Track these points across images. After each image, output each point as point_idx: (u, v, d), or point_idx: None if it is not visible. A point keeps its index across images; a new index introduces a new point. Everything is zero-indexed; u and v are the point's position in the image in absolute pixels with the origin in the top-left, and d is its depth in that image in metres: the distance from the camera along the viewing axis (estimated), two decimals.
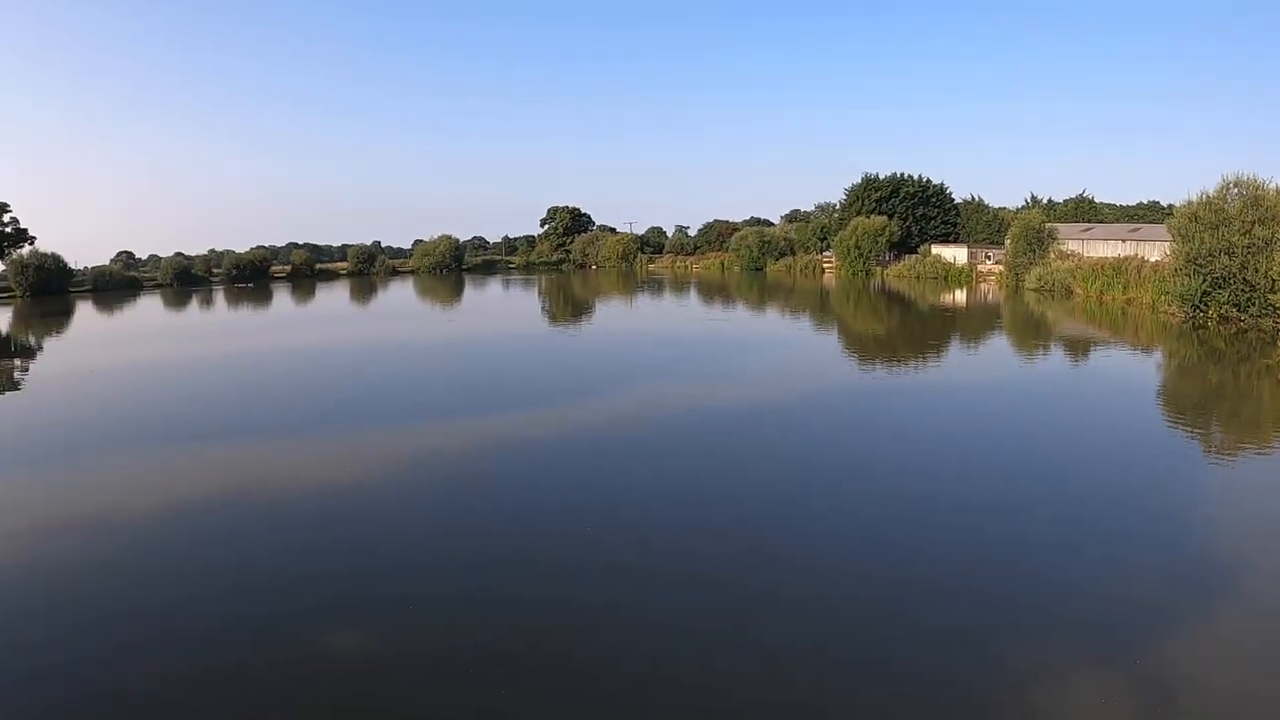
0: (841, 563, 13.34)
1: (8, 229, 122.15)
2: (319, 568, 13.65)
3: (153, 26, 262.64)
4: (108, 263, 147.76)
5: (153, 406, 30.02)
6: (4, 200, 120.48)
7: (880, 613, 11.50)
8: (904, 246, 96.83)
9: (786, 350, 40.29)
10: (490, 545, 14.50)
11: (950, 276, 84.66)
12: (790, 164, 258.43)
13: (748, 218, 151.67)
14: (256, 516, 16.49)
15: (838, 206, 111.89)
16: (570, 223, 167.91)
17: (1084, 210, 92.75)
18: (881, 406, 26.13)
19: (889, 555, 13.48)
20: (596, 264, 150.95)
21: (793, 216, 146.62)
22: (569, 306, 74.63)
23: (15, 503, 18.18)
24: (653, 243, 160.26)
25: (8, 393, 35.25)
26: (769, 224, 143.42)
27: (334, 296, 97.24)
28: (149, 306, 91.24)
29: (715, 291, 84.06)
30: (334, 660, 10.50)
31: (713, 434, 22.51)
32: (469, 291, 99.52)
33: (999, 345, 40.09)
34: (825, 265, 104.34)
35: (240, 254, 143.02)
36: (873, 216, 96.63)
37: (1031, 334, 44.36)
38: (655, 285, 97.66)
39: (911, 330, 48.16)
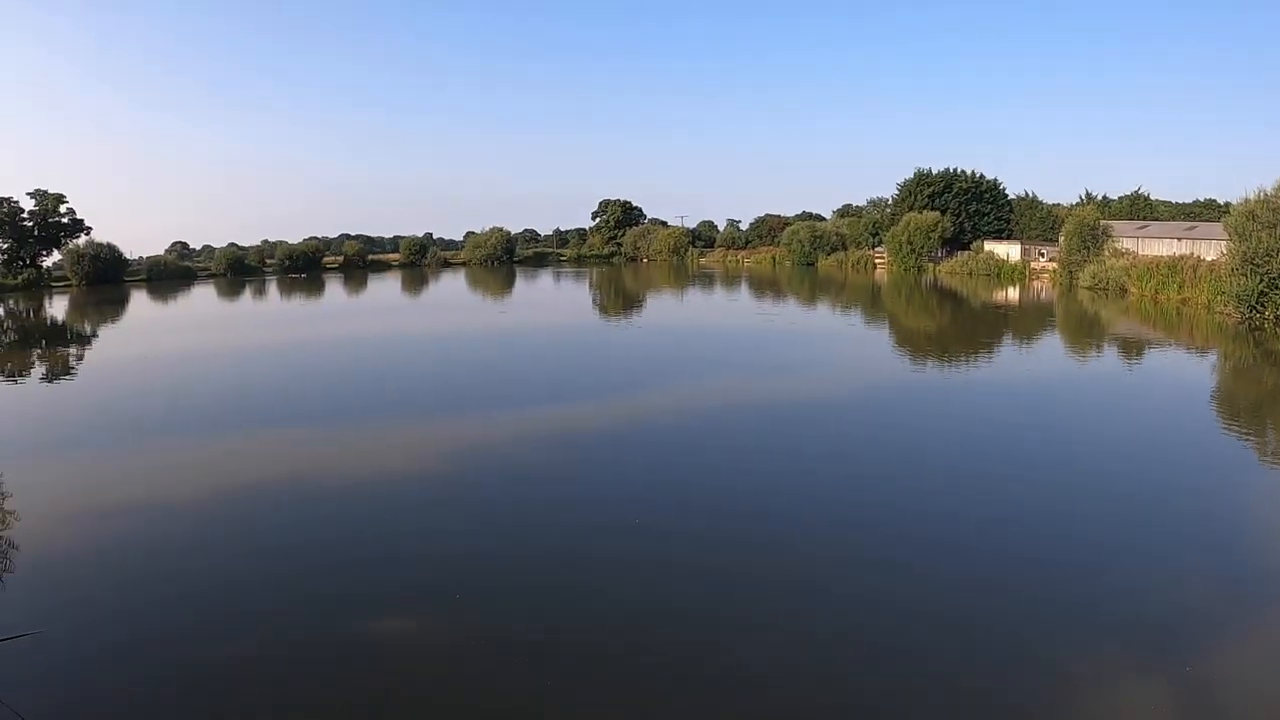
0: (891, 561, 13.48)
1: (64, 219, 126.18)
2: (368, 554, 14.16)
3: (210, 18, 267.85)
4: (162, 253, 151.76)
5: (208, 393, 31.66)
6: (60, 192, 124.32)
7: (928, 614, 11.54)
8: (956, 243, 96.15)
9: (837, 345, 40.97)
10: (539, 537, 14.87)
11: (1003, 273, 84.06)
12: (843, 158, 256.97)
13: (799, 212, 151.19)
14: (307, 504, 17.18)
15: (890, 202, 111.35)
16: (621, 216, 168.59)
17: (1139, 207, 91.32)
18: (931, 404, 26.58)
19: (938, 556, 13.67)
20: (648, 257, 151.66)
21: (845, 211, 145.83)
22: (620, 300, 75.49)
23: (72, 485, 19.12)
24: (704, 236, 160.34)
25: (62, 379, 37.41)
26: (821, 219, 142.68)
27: (386, 287, 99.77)
28: (203, 295, 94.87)
29: (766, 286, 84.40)
30: (378, 645, 10.99)
31: (762, 431, 22.87)
32: (520, 284, 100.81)
33: (1051, 344, 40.23)
34: (877, 261, 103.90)
35: (293, 245, 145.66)
36: (925, 212, 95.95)
37: (1085, 333, 44.37)
38: (706, 279, 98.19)
39: (963, 327, 48.45)
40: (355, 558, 14.01)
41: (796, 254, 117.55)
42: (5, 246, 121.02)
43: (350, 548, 14.50)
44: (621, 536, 14.82)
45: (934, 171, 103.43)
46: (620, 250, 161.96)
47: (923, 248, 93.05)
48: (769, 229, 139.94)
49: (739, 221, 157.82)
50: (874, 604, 11.98)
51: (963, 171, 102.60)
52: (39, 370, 40.13)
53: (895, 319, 53.72)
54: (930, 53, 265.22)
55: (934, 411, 25.07)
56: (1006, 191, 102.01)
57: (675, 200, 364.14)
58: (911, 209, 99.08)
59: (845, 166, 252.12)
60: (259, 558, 14.18)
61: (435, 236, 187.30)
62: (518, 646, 10.92)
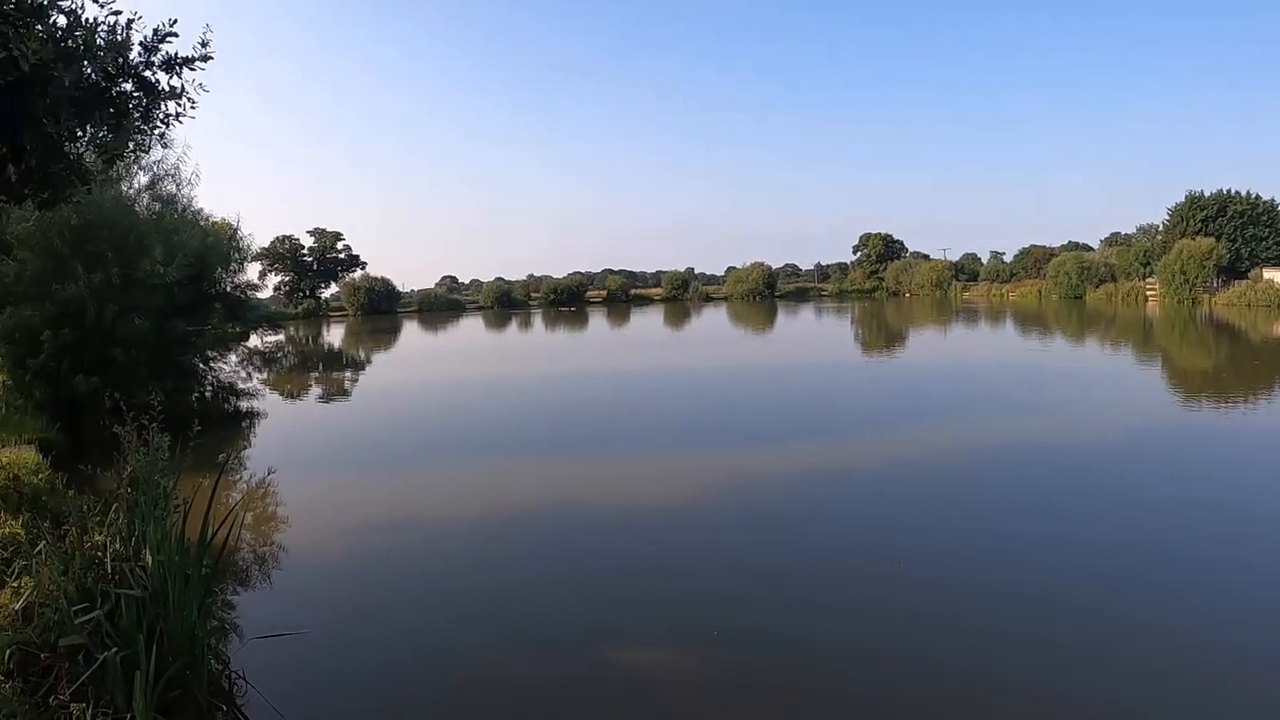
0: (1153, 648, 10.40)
1: (341, 255, 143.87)
2: (647, 584, 13.47)
3: (481, 61, 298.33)
4: (432, 286, 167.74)
5: (480, 418, 32.25)
6: (338, 230, 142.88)
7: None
8: (1233, 271, 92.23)
9: (1105, 385, 37.79)
10: (796, 579, 13.52)
11: None
12: (1110, 182, 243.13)
13: (1065, 242, 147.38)
14: (570, 532, 16.63)
15: (1160, 228, 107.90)
16: (883, 249, 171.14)
17: None
18: (1218, 455, 22.26)
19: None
20: (910, 292, 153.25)
21: (1113, 240, 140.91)
22: (881, 335, 75.61)
23: (341, 500, 19.71)
24: (967, 270, 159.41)
25: (338, 399, 40.21)
26: (1088, 248, 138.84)
27: (650, 321, 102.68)
28: (472, 326, 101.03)
29: (1032, 321, 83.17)
30: (632, 677, 10.39)
31: (1024, 479, 19.72)
32: (781, 318, 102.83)
33: None
34: (1148, 292, 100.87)
35: (557, 279, 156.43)
36: (1198, 238, 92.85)
37: None
38: (970, 314, 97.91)
39: (1242, 365, 44.13)
40: (615, 587, 13.42)
41: (1063, 287, 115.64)
42: (288, 279, 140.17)
43: (612, 578, 13.94)
44: (887, 590, 12.77)
45: (1206, 194, 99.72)
46: (882, 285, 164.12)
47: (1196, 278, 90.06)
48: (1034, 260, 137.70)
49: (1002, 253, 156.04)
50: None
51: (1238, 193, 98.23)
52: (316, 391, 42.67)
53: (1167, 357, 50.38)
54: (1197, 73, 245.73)
55: (1220, 463, 20.91)
56: None
57: (937, 231, 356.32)
58: (1183, 235, 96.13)
59: (1112, 191, 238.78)
60: (519, 580, 13.81)
61: (696, 271, 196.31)
62: (770, 694, 9.82)
